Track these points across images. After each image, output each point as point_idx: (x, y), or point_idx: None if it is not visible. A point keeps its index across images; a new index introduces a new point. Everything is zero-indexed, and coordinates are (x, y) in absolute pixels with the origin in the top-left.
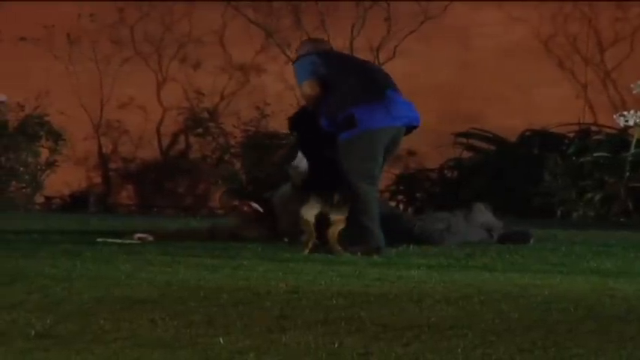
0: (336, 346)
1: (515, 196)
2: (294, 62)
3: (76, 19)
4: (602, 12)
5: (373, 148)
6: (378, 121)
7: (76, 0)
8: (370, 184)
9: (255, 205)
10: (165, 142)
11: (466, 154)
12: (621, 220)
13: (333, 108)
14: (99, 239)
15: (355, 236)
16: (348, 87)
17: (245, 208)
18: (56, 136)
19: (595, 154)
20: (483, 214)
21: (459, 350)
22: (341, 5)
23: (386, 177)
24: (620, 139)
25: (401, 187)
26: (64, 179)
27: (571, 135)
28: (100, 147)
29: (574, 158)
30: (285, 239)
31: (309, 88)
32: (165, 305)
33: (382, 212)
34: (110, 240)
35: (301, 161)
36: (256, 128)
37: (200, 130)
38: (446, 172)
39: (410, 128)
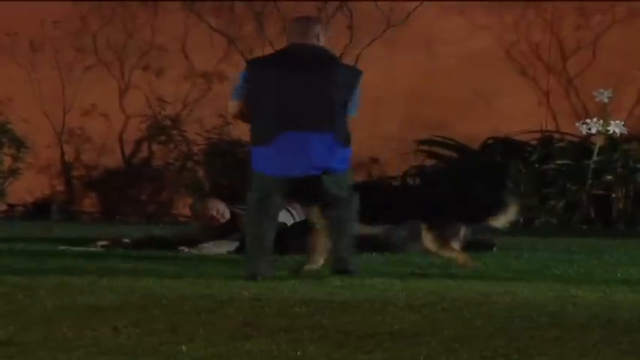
0: (299, 353)
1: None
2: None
3: (39, 26)
4: (564, 19)
5: (259, 190)
6: (263, 165)
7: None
8: (253, 213)
9: (226, 211)
10: (128, 149)
11: (429, 162)
12: (584, 227)
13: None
14: (62, 247)
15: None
16: (256, 123)
17: (216, 218)
18: (19, 144)
19: (557, 162)
20: None
21: (422, 358)
22: (303, 11)
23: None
24: (583, 146)
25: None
26: (27, 187)
27: (534, 142)
28: (62, 155)
29: (537, 166)
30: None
31: (230, 107)
32: (128, 313)
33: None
34: (73, 248)
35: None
36: (219, 136)
37: (163, 138)
38: (408, 179)
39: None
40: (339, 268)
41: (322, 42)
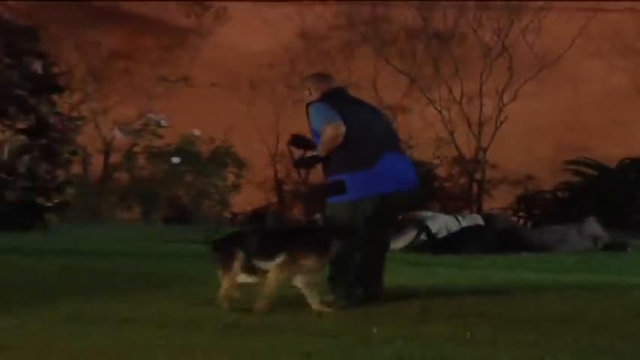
0: (468, 334)
1: (615, 213)
2: (308, 105)
3: (257, 68)
4: None
5: (355, 215)
6: (362, 190)
7: None
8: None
9: None
10: None
11: (575, 178)
12: None
13: (331, 165)
14: None
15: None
16: (346, 150)
17: None
18: (240, 164)
19: None
20: (593, 226)
21: (569, 339)
22: (472, 56)
23: (508, 197)
24: None
25: (521, 206)
26: (247, 199)
27: None
28: (275, 173)
29: None
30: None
31: (334, 129)
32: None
33: (506, 226)
34: None
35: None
36: None
37: None
38: (558, 193)
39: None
40: (378, 292)
41: None
